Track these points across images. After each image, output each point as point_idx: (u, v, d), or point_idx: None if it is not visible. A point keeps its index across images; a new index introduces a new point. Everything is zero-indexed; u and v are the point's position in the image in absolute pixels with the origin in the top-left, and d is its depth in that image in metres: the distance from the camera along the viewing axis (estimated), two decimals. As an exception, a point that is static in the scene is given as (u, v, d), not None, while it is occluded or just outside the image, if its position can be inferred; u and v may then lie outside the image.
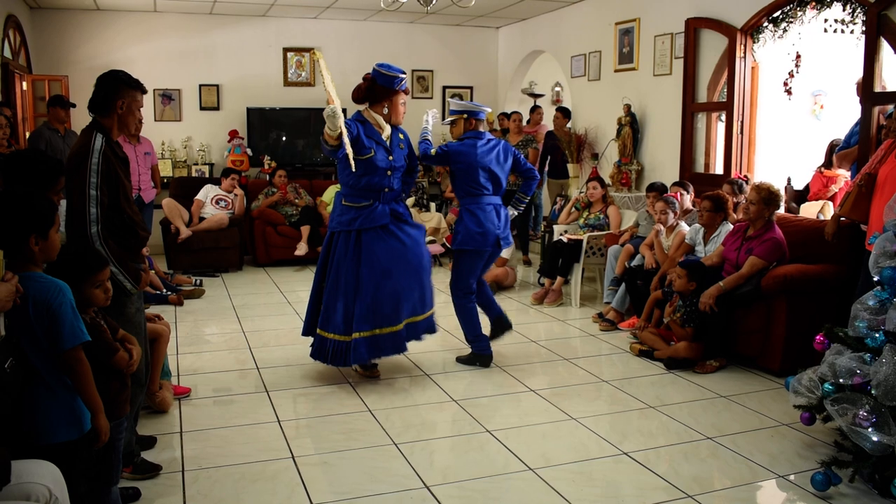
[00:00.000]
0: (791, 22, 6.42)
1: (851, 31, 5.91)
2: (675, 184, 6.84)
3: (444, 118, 5.65)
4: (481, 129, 5.20)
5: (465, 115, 5.17)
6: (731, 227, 5.59)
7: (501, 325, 5.41)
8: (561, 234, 7.34)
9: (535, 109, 10.06)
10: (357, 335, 4.66)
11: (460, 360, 5.35)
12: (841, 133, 6.67)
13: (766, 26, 6.64)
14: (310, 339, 4.99)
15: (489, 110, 5.52)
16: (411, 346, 5.02)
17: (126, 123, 3.42)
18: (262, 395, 4.66)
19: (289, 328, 6.22)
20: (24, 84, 8.44)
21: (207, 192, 8.78)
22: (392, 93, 4.73)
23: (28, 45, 8.96)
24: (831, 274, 5.06)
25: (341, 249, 4.74)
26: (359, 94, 4.79)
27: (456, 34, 11.00)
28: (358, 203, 4.72)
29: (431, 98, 11.03)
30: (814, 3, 6.15)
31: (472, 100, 11.08)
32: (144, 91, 3.51)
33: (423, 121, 5.27)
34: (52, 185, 3.07)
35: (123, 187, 3.33)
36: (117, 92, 3.36)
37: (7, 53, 7.89)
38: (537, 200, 9.82)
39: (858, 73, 5.81)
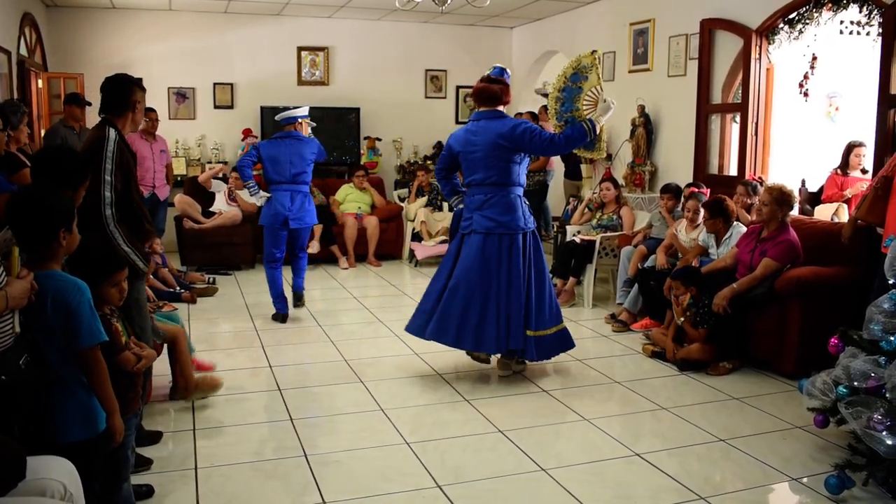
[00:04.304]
0: (807, 23, 6.38)
1: (867, 33, 5.88)
2: (688, 185, 6.82)
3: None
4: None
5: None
6: (745, 228, 5.57)
7: (299, 297, 6.54)
8: (574, 235, 7.33)
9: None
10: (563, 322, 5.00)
11: (275, 318, 6.41)
12: (856, 135, 6.63)
13: (782, 27, 6.61)
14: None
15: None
16: (423, 345, 5.15)
17: (136, 121, 3.72)
18: (275, 392, 4.68)
19: (300, 326, 6.25)
20: (40, 82, 8.49)
21: (221, 186, 9.01)
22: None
23: (44, 42, 9.01)
24: (845, 277, 5.03)
25: (533, 247, 4.82)
26: (494, 96, 4.80)
27: (470, 34, 11.00)
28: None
29: (445, 98, 11.04)
30: (830, 5, 6.11)
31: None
32: (144, 91, 3.82)
33: None
34: (80, 181, 3.07)
35: (134, 179, 3.58)
36: (133, 93, 3.64)
37: (23, 51, 7.94)
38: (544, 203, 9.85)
39: (874, 76, 5.77)
